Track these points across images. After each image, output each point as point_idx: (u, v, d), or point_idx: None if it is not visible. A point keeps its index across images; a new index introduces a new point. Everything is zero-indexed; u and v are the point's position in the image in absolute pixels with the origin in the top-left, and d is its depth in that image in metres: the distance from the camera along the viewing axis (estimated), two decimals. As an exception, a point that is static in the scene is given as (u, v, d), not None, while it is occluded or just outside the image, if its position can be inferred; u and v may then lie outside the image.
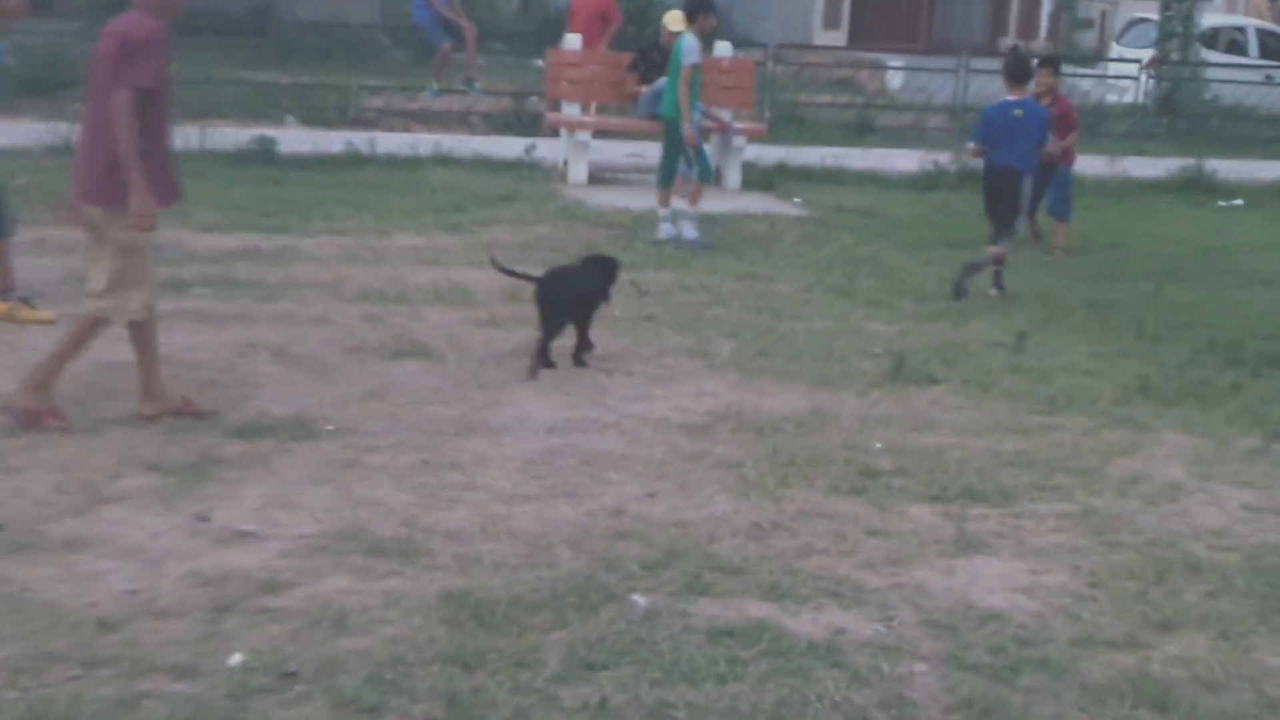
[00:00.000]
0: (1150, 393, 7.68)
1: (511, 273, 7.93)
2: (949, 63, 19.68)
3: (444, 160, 14.26)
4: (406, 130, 16.60)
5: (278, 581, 4.82)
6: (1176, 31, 20.88)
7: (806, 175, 14.86)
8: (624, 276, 8.32)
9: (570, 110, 14.29)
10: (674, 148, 11.27)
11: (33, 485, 5.58)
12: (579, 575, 4.97)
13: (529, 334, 8.01)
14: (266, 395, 6.88)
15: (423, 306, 8.73)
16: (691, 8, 11.29)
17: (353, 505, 5.54)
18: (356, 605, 4.67)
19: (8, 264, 7.99)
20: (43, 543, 5.05)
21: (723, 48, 14.88)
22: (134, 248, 6.29)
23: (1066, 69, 16.45)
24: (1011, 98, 10.11)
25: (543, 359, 7.51)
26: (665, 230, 11.19)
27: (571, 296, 7.68)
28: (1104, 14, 27.93)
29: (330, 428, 6.44)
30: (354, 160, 14.06)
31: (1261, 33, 23.85)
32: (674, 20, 13.53)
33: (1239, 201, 15.29)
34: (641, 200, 12.43)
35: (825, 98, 20.55)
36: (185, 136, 12.08)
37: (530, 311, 7.70)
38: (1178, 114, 20.15)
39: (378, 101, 17.79)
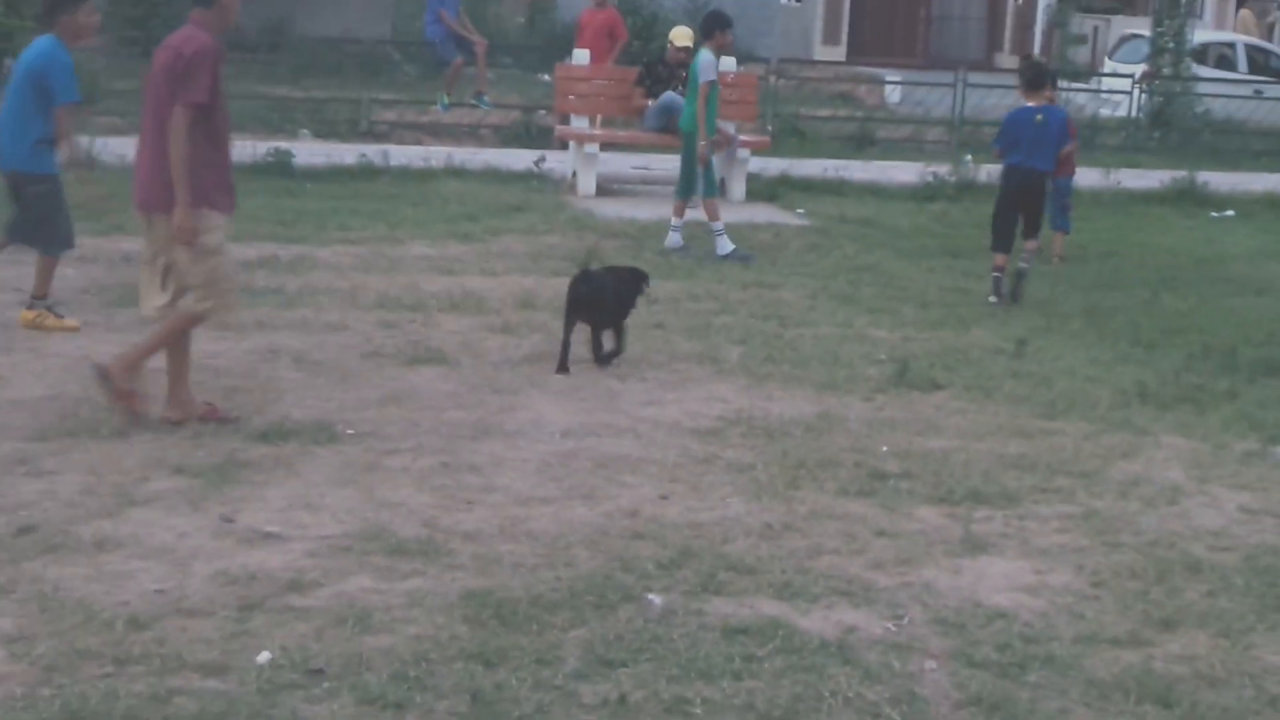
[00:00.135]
0: (1148, 398, 7.77)
1: None
2: (946, 77, 19.76)
3: (456, 172, 14.36)
4: (418, 143, 16.70)
5: (303, 581, 4.91)
6: (1168, 47, 20.97)
7: (808, 186, 14.94)
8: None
9: (579, 123, 14.42)
10: (691, 160, 11.37)
11: (63, 487, 5.68)
12: (596, 575, 5.07)
13: (542, 340, 8.14)
14: (289, 400, 6.99)
15: (437, 313, 8.83)
16: (708, 25, 11.38)
17: (374, 507, 5.64)
18: (380, 604, 4.76)
19: (49, 275, 8.17)
20: (73, 543, 5.14)
21: (727, 62, 14.97)
22: (216, 248, 6.42)
23: (1060, 84, 16.51)
24: (1030, 104, 10.30)
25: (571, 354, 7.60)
26: (673, 239, 11.31)
27: (608, 299, 7.84)
28: (1096, 30, 27.95)
29: (351, 431, 6.55)
30: (367, 172, 14.16)
31: (1250, 48, 23.96)
32: (680, 36, 13.67)
33: (1230, 213, 15.32)
34: (648, 210, 12.57)
35: (826, 111, 20.67)
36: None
37: (542, 318, 7.78)
38: (1170, 127, 20.20)
39: (390, 115, 17.90)
